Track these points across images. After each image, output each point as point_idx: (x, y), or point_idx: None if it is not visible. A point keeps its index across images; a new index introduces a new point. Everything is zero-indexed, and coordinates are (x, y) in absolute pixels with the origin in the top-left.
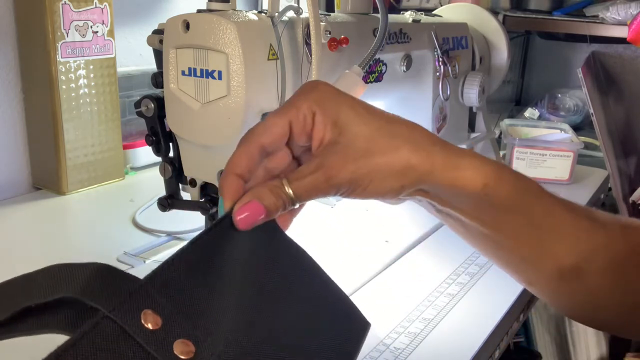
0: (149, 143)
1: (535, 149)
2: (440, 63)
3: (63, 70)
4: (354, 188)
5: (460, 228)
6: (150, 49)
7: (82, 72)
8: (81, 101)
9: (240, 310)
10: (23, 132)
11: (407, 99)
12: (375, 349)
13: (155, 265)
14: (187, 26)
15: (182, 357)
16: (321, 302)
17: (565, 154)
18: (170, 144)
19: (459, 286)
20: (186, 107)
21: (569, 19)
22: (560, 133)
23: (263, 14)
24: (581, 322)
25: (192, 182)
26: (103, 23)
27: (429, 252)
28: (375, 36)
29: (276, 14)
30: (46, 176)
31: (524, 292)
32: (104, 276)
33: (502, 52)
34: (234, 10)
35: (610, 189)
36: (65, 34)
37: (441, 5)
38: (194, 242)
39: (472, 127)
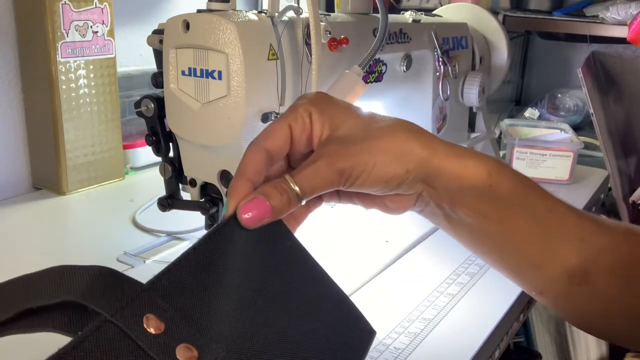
0: (149, 143)
1: (535, 149)
2: (440, 63)
3: (63, 70)
4: (359, 173)
5: (466, 234)
6: (150, 49)
7: (82, 72)
8: (81, 101)
9: (244, 316)
10: (23, 132)
11: (407, 99)
12: (375, 349)
13: (155, 266)
14: (187, 26)
15: None
16: (327, 309)
17: (565, 154)
18: (170, 144)
19: (459, 286)
20: (186, 107)
21: (569, 19)
22: (560, 133)
23: (263, 14)
24: (586, 330)
25: (192, 182)
26: (103, 23)
27: (429, 252)
28: (375, 36)
29: (276, 14)
30: (46, 176)
31: (524, 292)
32: (106, 280)
33: (502, 52)
34: (234, 10)
35: (610, 189)
36: (65, 34)
37: (441, 5)
38: (197, 246)
39: (472, 127)
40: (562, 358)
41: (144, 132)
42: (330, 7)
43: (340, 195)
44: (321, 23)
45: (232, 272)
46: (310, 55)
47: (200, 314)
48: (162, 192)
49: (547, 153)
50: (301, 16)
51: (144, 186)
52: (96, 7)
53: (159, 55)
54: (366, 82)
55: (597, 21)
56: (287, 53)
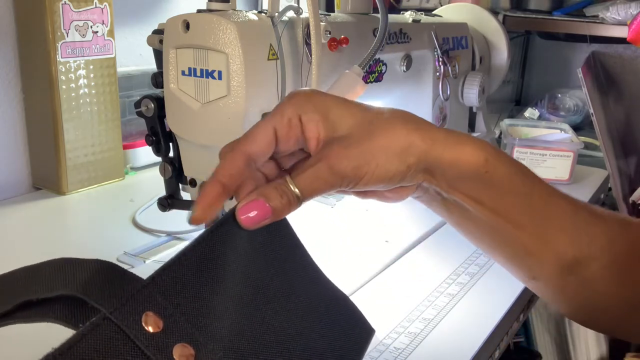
0: (149, 143)
1: (535, 149)
2: (440, 63)
3: (63, 70)
4: (361, 175)
5: (462, 221)
6: (150, 49)
7: (82, 72)
8: (81, 101)
9: (242, 314)
10: (23, 132)
11: (407, 99)
12: (375, 349)
13: (155, 266)
14: (187, 26)
15: None
16: (325, 308)
17: (565, 154)
18: (170, 144)
19: (459, 286)
20: (186, 107)
21: (569, 19)
22: (560, 133)
23: (263, 14)
24: (583, 324)
25: (192, 182)
26: (103, 23)
27: (429, 252)
28: (375, 36)
29: (276, 14)
30: (46, 176)
31: (524, 292)
32: (106, 274)
33: (502, 52)
34: (234, 10)
35: (610, 189)
36: (65, 34)
37: (441, 5)
38: (197, 243)
39: (472, 127)
40: (562, 358)
41: (144, 132)
42: (330, 7)
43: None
44: (321, 23)
45: (231, 270)
46: (310, 55)
47: (199, 311)
48: (162, 192)
49: (547, 153)
50: (301, 16)
51: (144, 186)
52: (96, 7)
53: (159, 55)
54: (366, 82)
55: (597, 21)
56: (287, 53)
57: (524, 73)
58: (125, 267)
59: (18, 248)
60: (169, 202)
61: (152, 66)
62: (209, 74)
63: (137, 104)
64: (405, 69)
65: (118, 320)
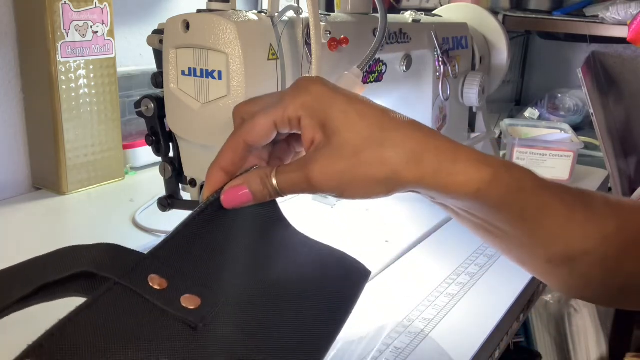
0: (149, 143)
1: (535, 149)
2: (440, 63)
3: (63, 70)
4: (340, 193)
5: (454, 215)
6: (150, 49)
7: (82, 72)
8: (81, 101)
9: (238, 271)
10: (23, 132)
11: (407, 99)
12: (375, 349)
13: None
14: (187, 26)
15: (190, 307)
16: (318, 256)
17: (565, 154)
18: (170, 144)
19: (459, 286)
20: (186, 107)
21: (569, 19)
22: (560, 133)
23: (263, 14)
24: (573, 297)
25: (192, 182)
26: (103, 23)
27: (429, 252)
28: (375, 36)
29: (276, 14)
30: (46, 176)
31: (524, 292)
32: (112, 252)
33: (502, 52)
34: (234, 10)
35: (610, 189)
36: (65, 34)
37: (441, 5)
38: (192, 219)
39: (472, 127)
40: (562, 358)
41: (144, 132)
42: (330, 7)
43: None
44: (321, 23)
45: (224, 238)
46: (310, 55)
47: (199, 272)
48: (162, 192)
49: (547, 153)
50: (301, 16)
51: (144, 186)
52: (96, 7)
53: (159, 55)
54: (366, 82)
55: (597, 21)
56: (287, 53)
57: (524, 73)
58: None
59: (18, 248)
60: (169, 202)
61: (152, 66)
62: (209, 74)
63: (137, 104)
64: (405, 69)
65: (127, 283)
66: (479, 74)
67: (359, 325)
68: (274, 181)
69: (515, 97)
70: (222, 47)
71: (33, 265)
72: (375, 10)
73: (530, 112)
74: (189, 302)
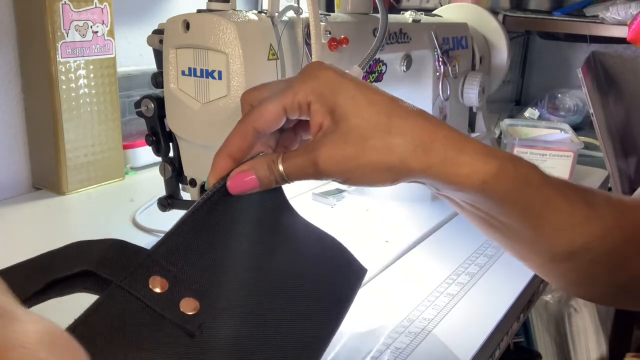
0: (149, 143)
1: (535, 149)
2: (440, 63)
3: (63, 70)
4: (346, 179)
5: (458, 208)
6: (150, 49)
7: (82, 72)
8: (81, 101)
9: (240, 268)
10: (23, 132)
11: (407, 99)
12: (375, 349)
13: None
14: (187, 26)
15: (189, 312)
16: (321, 248)
17: (565, 154)
18: (170, 144)
19: (459, 286)
20: (186, 107)
21: (569, 19)
22: (560, 133)
23: (263, 14)
24: (573, 295)
25: (192, 182)
26: (103, 23)
27: (429, 252)
28: (375, 36)
29: (276, 14)
30: (46, 176)
31: (524, 292)
32: (116, 250)
33: (502, 52)
34: (234, 10)
35: (610, 189)
36: (65, 34)
37: (441, 5)
38: (194, 211)
39: (472, 127)
40: (562, 358)
41: (144, 132)
42: (330, 7)
43: None
44: (321, 23)
45: (230, 227)
46: (310, 55)
47: (200, 270)
48: (162, 192)
49: (547, 153)
50: (301, 16)
51: (144, 186)
52: (96, 7)
53: (159, 55)
54: None
55: (597, 21)
56: (287, 53)
57: (524, 73)
58: None
59: (18, 248)
60: (169, 202)
61: (152, 66)
62: (209, 74)
63: (137, 104)
64: (405, 69)
65: (127, 287)
66: (479, 74)
67: (359, 325)
68: (281, 167)
69: (515, 97)
70: (222, 47)
71: (41, 261)
72: (375, 10)
73: (530, 112)
74: (188, 306)
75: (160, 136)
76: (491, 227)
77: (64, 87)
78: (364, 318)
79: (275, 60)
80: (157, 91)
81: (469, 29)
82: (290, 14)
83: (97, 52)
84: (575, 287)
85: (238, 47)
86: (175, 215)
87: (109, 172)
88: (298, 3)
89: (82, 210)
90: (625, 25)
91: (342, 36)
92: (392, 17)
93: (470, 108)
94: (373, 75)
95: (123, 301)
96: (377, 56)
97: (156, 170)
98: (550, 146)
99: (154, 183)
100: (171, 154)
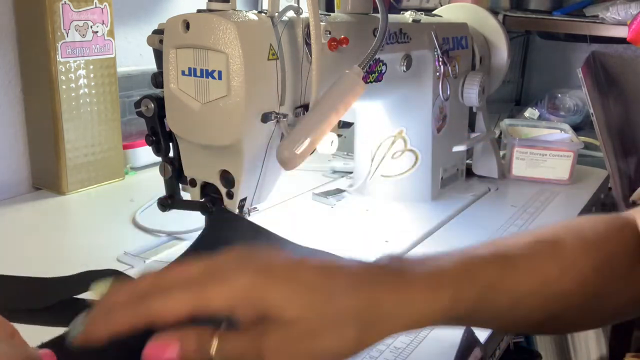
0: (149, 143)
1: (535, 149)
2: (440, 63)
3: (63, 70)
4: None
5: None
6: (150, 49)
7: (82, 72)
8: (81, 101)
9: None
10: (23, 132)
11: (407, 99)
12: (375, 349)
13: (155, 266)
14: (187, 26)
15: None
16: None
17: (565, 154)
18: (170, 144)
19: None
20: (186, 107)
21: (569, 19)
22: (560, 133)
23: (263, 14)
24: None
25: (192, 182)
26: (103, 23)
27: (429, 252)
28: (375, 36)
29: (276, 14)
30: (46, 176)
31: None
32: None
33: (502, 52)
34: (234, 10)
35: (610, 189)
36: (65, 34)
37: (441, 5)
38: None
39: (472, 127)
40: (562, 358)
41: (144, 132)
42: (330, 7)
43: None
44: (321, 23)
45: None
46: (310, 55)
47: None
48: (162, 192)
49: (547, 153)
50: (301, 16)
51: (144, 186)
52: (96, 7)
53: (159, 55)
54: (366, 82)
55: (597, 21)
56: (287, 53)
57: (524, 73)
58: (125, 267)
59: (18, 248)
60: (169, 202)
61: (152, 66)
62: (209, 74)
63: (137, 104)
64: (405, 69)
65: None
66: (479, 74)
67: None
68: (213, 350)
69: (515, 97)
70: (222, 47)
71: (54, 284)
72: (375, 10)
73: (530, 112)
74: None
75: (160, 136)
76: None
77: (64, 87)
78: None
79: (275, 60)
80: (157, 91)
81: (469, 29)
82: (290, 14)
83: (97, 52)
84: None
85: (238, 47)
86: (175, 215)
87: (109, 172)
88: (298, 3)
89: (82, 210)
90: (625, 25)
91: (342, 36)
92: (392, 17)
93: (470, 108)
94: (373, 75)
95: None
96: (377, 56)
97: (156, 170)
98: (550, 146)
99: (154, 183)
100: (171, 154)
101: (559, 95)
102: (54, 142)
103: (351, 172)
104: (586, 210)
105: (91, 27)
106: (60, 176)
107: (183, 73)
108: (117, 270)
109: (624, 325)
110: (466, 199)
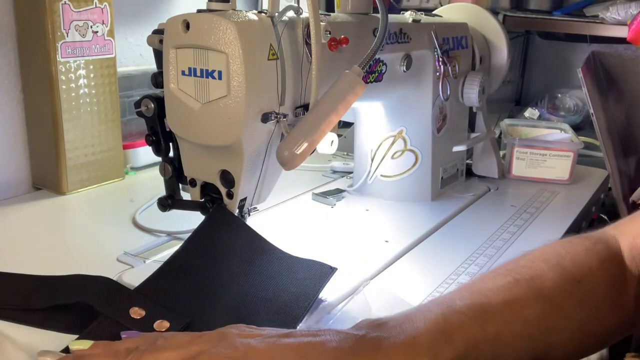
0: (149, 143)
1: (535, 149)
2: (440, 63)
3: (63, 70)
4: None
5: None
6: (150, 49)
7: (82, 72)
8: (81, 101)
9: (208, 296)
10: (23, 132)
11: (407, 99)
12: None
13: (155, 265)
14: (187, 26)
15: (161, 330)
16: (282, 267)
17: (565, 154)
18: (170, 144)
19: (459, 286)
20: (186, 107)
21: (569, 19)
22: (560, 133)
23: (263, 14)
24: None
25: (192, 182)
26: (103, 23)
27: (429, 252)
28: (375, 36)
29: (276, 14)
30: (46, 176)
31: None
32: (108, 288)
33: (502, 52)
34: (234, 10)
35: (610, 189)
36: (65, 34)
37: (441, 5)
38: (173, 258)
39: (472, 127)
40: None
41: (144, 132)
42: (330, 7)
43: None
44: (321, 23)
45: (200, 270)
46: (310, 55)
47: (171, 302)
48: (162, 192)
49: (547, 153)
50: (301, 16)
51: (144, 186)
52: (96, 7)
53: (159, 55)
54: (366, 82)
55: (597, 21)
56: (287, 53)
57: (524, 73)
58: (125, 267)
59: (18, 248)
60: (169, 202)
61: (152, 66)
62: (209, 74)
63: (137, 104)
64: (405, 69)
65: (113, 315)
66: (479, 74)
67: None
68: None
69: (515, 97)
70: (222, 47)
71: (47, 282)
72: (375, 10)
73: (530, 112)
74: (160, 325)
75: (160, 136)
76: None
77: (64, 87)
78: (364, 318)
79: (275, 60)
80: (157, 91)
81: (469, 29)
82: (290, 14)
83: (97, 52)
84: None
85: (238, 47)
86: (175, 215)
87: (109, 172)
88: (298, 3)
89: (82, 210)
90: (625, 25)
91: (342, 36)
92: (392, 17)
93: (470, 108)
94: (373, 75)
95: (110, 326)
96: (377, 56)
97: (156, 170)
98: (550, 146)
99: (154, 183)
100: (171, 154)
101: (559, 95)
102: (54, 142)
103: (351, 172)
104: (586, 210)
105: (91, 27)
106: (60, 176)
107: (183, 73)
108: (110, 279)
109: None
110: (466, 199)
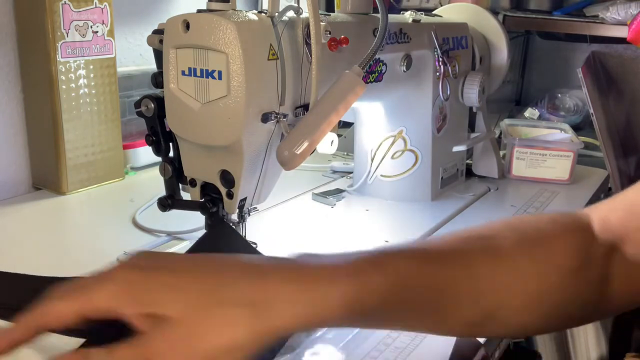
0: (149, 143)
1: (535, 149)
2: (440, 63)
3: (63, 70)
4: None
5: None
6: (150, 49)
7: (82, 72)
8: (81, 101)
9: None
10: (23, 132)
11: (407, 99)
12: (375, 349)
13: None
14: (187, 26)
15: None
16: None
17: (565, 154)
18: (170, 144)
19: None
20: (186, 107)
21: (569, 19)
22: (560, 133)
23: (263, 14)
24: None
25: (192, 182)
26: (103, 23)
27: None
28: (375, 36)
29: (276, 14)
30: (46, 176)
31: None
32: None
33: (502, 52)
34: (234, 10)
35: (610, 188)
36: (65, 34)
37: (441, 5)
38: None
39: (472, 127)
40: (562, 358)
41: (144, 132)
42: (330, 7)
43: None
44: (321, 23)
45: None
46: (310, 55)
47: None
48: (162, 192)
49: (547, 153)
50: (301, 16)
51: (144, 186)
52: (96, 7)
53: (159, 55)
54: (366, 82)
55: (597, 21)
56: (287, 53)
57: (524, 73)
58: None
59: (18, 248)
60: (169, 202)
61: (152, 66)
62: (209, 74)
63: (137, 104)
64: (405, 69)
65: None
66: (479, 74)
67: None
68: None
69: (515, 97)
70: (222, 47)
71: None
72: (375, 10)
73: (530, 112)
74: None
75: (160, 136)
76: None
77: (64, 87)
78: None
79: (275, 60)
80: (157, 91)
81: (469, 29)
82: (290, 14)
83: (97, 52)
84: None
85: (238, 47)
86: (175, 215)
87: (109, 172)
88: (298, 3)
89: (82, 210)
90: (625, 25)
91: (342, 36)
92: (392, 17)
93: (470, 108)
94: (373, 75)
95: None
96: (377, 56)
97: (156, 170)
98: (550, 146)
99: (154, 183)
100: (171, 154)
101: (559, 95)
102: (54, 142)
103: (351, 172)
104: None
105: (91, 27)
106: (60, 176)
107: (183, 73)
108: None
109: (624, 325)
110: (466, 199)
